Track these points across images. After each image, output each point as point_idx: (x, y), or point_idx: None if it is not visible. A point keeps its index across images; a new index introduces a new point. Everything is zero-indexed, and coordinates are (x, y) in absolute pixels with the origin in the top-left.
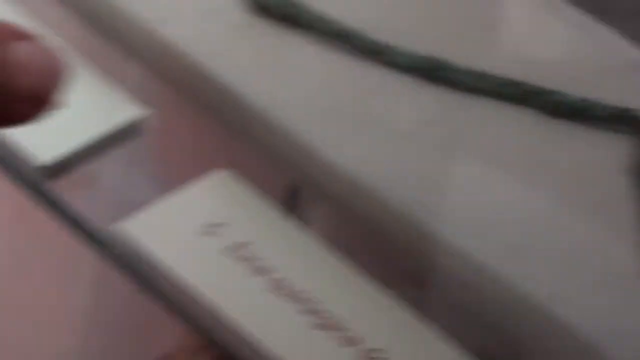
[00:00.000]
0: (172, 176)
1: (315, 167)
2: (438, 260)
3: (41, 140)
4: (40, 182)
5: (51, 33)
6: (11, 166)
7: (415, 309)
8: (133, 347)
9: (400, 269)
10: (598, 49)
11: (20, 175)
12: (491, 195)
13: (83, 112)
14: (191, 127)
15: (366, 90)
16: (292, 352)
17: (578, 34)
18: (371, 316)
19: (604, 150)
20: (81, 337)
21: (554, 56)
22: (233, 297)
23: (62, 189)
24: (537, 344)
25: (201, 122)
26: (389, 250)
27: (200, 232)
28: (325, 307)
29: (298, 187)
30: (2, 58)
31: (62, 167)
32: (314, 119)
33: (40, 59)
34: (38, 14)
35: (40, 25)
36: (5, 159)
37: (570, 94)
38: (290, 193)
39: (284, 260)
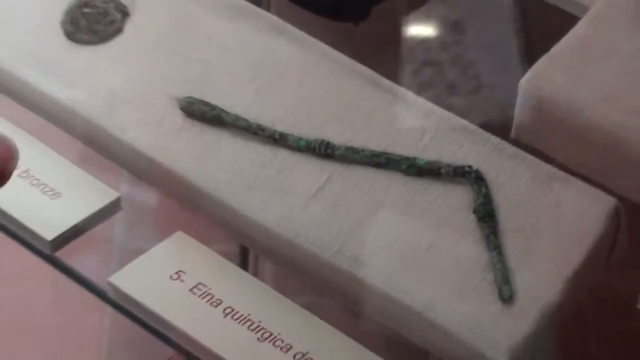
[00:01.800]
0: (145, 238)
1: (249, 227)
2: (353, 290)
3: (47, 220)
4: (49, 251)
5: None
6: (22, 239)
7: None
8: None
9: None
10: (432, 121)
11: (31, 246)
12: (380, 233)
13: (73, 196)
14: (155, 204)
15: (277, 167)
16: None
17: (409, 112)
18: (300, 327)
19: (452, 197)
20: None
21: (403, 130)
22: (201, 324)
23: (65, 254)
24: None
25: (163, 200)
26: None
27: (169, 278)
28: (263, 325)
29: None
30: None
31: (64, 240)
32: (243, 190)
33: None
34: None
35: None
36: (17, 233)
37: (420, 158)
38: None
39: (231, 294)
